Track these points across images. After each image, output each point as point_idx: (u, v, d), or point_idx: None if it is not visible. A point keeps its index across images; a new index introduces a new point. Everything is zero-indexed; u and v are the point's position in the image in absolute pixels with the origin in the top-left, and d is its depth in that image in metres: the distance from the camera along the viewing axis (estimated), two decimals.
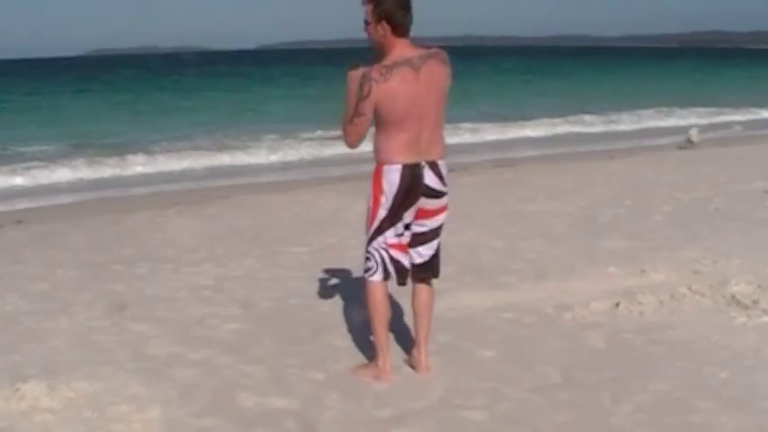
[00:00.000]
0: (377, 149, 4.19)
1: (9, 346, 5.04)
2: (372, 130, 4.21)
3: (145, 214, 9.55)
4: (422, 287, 4.48)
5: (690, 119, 23.42)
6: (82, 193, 12.58)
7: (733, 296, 5.58)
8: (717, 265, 6.46)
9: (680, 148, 15.68)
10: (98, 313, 5.68)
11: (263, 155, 16.67)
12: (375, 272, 4.30)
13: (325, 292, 6.06)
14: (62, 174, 14.19)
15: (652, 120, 23.63)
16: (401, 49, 4.09)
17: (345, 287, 6.09)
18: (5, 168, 14.35)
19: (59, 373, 4.52)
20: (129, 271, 6.83)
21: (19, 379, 4.40)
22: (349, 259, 6.72)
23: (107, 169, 14.77)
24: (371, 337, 4.50)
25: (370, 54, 4.18)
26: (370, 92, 4.03)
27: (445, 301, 5.70)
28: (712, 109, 25.58)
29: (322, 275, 6.43)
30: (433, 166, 4.23)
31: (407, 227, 4.30)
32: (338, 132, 4.28)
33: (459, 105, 26.62)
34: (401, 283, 4.39)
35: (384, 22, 4.06)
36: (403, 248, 4.31)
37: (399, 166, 4.15)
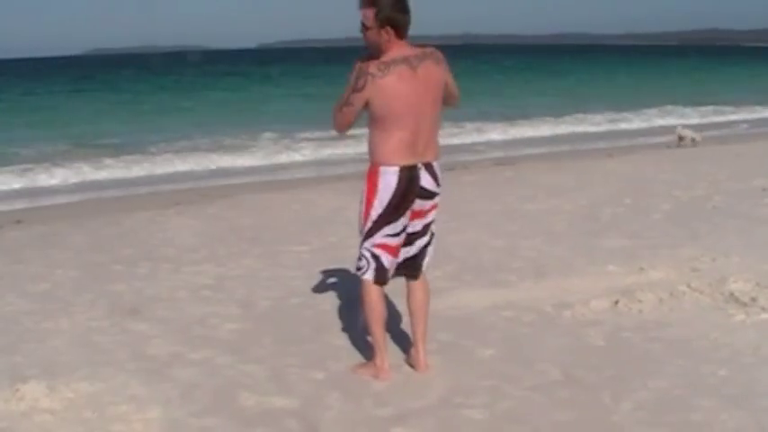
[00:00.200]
0: (373, 149, 4.18)
1: (9, 346, 5.05)
2: (364, 129, 4.22)
3: (145, 214, 9.55)
4: (416, 285, 4.49)
5: (694, 118, 23.38)
6: (82, 193, 12.59)
7: (732, 294, 5.58)
8: (716, 262, 6.46)
9: (669, 147, 15.60)
10: (98, 314, 5.68)
11: (262, 154, 16.68)
12: (365, 271, 4.32)
13: (326, 291, 6.06)
14: (61, 174, 14.18)
15: (658, 118, 23.41)
16: (399, 49, 4.09)
17: (346, 286, 6.09)
18: (4, 170, 14.33)
19: (59, 373, 4.53)
20: (130, 271, 6.83)
21: (19, 379, 4.40)
22: (349, 258, 6.69)
23: (106, 169, 14.76)
24: (369, 338, 4.51)
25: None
26: (364, 86, 4.04)
27: (445, 300, 5.71)
28: (716, 108, 25.49)
29: (322, 274, 6.44)
30: (429, 168, 4.25)
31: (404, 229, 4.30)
32: (333, 132, 4.29)
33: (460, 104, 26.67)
34: (380, 282, 4.35)
35: (388, 27, 4.05)
36: (390, 250, 4.30)
37: (397, 169, 4.14)
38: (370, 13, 4.04)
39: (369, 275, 4.33)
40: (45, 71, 69.59)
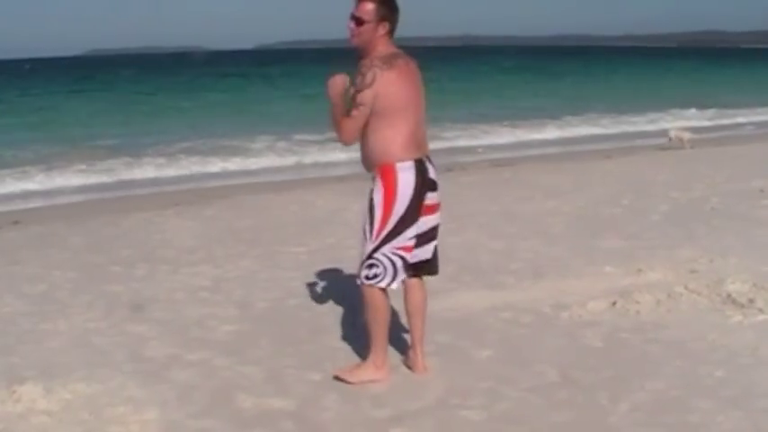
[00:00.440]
0: (382, 148, 4.12)
1: (6, 347, 5.04)
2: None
3: (143, 215, 9.54)
4: (416, 287, 4.46)
5: (697, 120, 23.31)
6: (80, 194, 12.59)
7: (729, 295, 5.59)
8: (713, 264, 6.46)
9: (666, 148, 15.55)
10: (96, 315, 5.68)
11: (261, 155, 16.67)
12: (382, 278, 4.22)
13: (324, 292, 6.06)
14: (59, 175, 14.16)
15: (659, 120, 23.26)
16: (389, 46, 4.15)
17: (344, 288, 6.08)
18: (2, 171, 14.31)
19: (56, 374, 4.52)
20: (127, 272, 6.83)
21: (16, 381, 4.40)
22: (347, 259, 6.71)
23: (104, 170, 14.73)
24: (368, 339, 4.48)
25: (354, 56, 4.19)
26: (373, 80, 4.01)
27: (443, 301, 5.70)
28: (719, 110, 25.34)
29: (320, 276, 6.44)
30: (430, 160, 4.30)
31: None
32: (334, 133, 4.27)
33: (459, 106, 26.69)
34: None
35: (386, 23, 4.10)
36: (410, 250, 4.27)
37: (412, 164, 4.15)
38: (370, 6, 4.06)
39: (385, 282, 4.23)
40: (44, 72, 69.51)
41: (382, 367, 4.41)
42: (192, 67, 71.04)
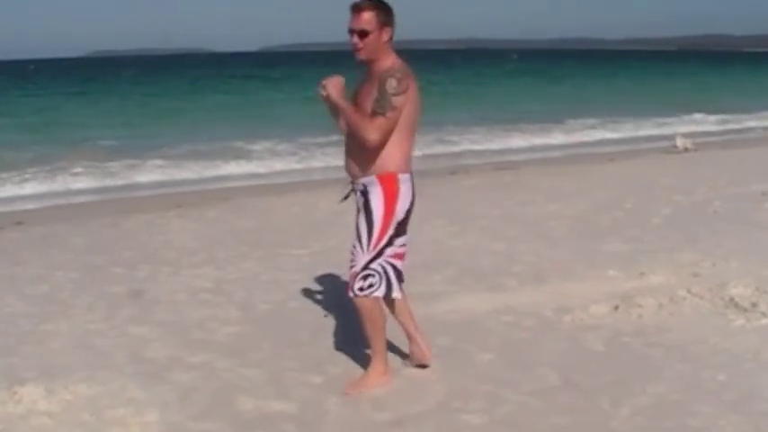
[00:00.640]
0: (388, 157, 4.06)
1: (7, 348, 5.04)
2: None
3: (145, 216, 9.55)
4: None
5: (707, 125, 23.24)
6: (82, 196, 12.59)
7: (732, 299, 5.58)
8: (715, 267, 6.45)
9: (670, 152, 15.61)
10: (97, 316, 5.68)
11: (263, 157, 16.66)
12: (377, 288, 4.19)
13: (325, 294, 6.06)
14: (62, 176, 14.15)
15: (668, 126, 23.15)
16: (393, 53, 4.09)
17: (345, 290, 6.07)
18: (6, 172, 14.31)
19: (57, 375, 4.52)
20: (129, 273, 6.83)
21: (17, 382, 4.40)
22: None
23: (107, 172, 14.72)
24: (368, 350, 4.47)
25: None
26: (407, 88, 3.99)
27: (445, 304, 5.71)
28: (725, 115, 25.22)
29: (322, 278, 6.43)
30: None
31: None
32: (336, 135, 4.25)
33: (460, 108, 26.69)
34: (387, 296, 4.30)
35: (388, 28, 4.04)
36: (401, 257, 4.28)
37: (409, 176, 4.16)
38: (369, 15, 3.99)
39: (380, 292, 4.20)
40: (48, 72, 69.62)
41: (386, 373, 4.40)
42: (194, 69, 71.12)
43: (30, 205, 11.75)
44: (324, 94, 4.05)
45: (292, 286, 6.31)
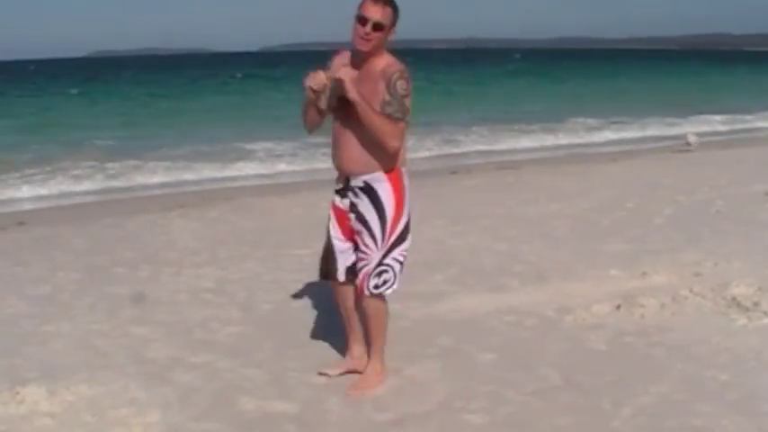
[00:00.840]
0: (392, 153, 4.06)
1: (9, 349, 5.04)
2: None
3: (147, 217, 9.55)
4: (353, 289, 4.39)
5: (712, 125, 23.16)
6: (84, 196, 12.60)
7: (734, 298, 5.57)
8: (718, 267, 6.45)
9: (677, 151, 15.62)
10: (99, 317, 5.68)
11: (264, 157, 16.66)
12: (392, 284, 4.21)
13: (327, 295, 6.04)
14: (63, 177, 14.15)
15: (679, 126, 23.07)
16: (388, 54, 4.07)
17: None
18: (7, 172, 14.31)
19: (59, 376, 4.52)
20: (131, 274, 6.83)
21: (18, 382, 4.40)
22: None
23: (109, 172, 14.72)
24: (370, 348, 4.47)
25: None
26: (410, 87, 3.99)
27: (446, 304, 5.71)
28: (732, 115, 25.11)
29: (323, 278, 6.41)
30: None
31: None
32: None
33: (462, 108, 26.69)
34: None
35: (394, 29, 4.03)
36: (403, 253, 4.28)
37: (405, 169, 4.18)
38: (389, 11, 3.95)
39: (395, 287, 4.22)
40: (49, 72, 69.66)
41: (383, 372, 4.41)
42: (195, 69, 71.12)
43: (31, 206, 11.76)
44: (320, 84, 3.96)
45: (294, 286, 6.30)
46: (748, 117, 24.81)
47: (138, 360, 4.83)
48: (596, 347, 4.91)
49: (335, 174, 4.40)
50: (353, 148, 4.10)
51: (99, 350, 5.01)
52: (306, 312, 5.69)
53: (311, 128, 4.27)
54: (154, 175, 14.57)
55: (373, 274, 4.18)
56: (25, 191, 12.96)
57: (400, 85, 3.93)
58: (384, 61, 4.00)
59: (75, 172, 14.54)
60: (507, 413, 4.03)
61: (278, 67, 75.20)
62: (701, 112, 25.35)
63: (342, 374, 4.47)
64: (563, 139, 20.03)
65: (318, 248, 7.56)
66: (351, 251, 4.30)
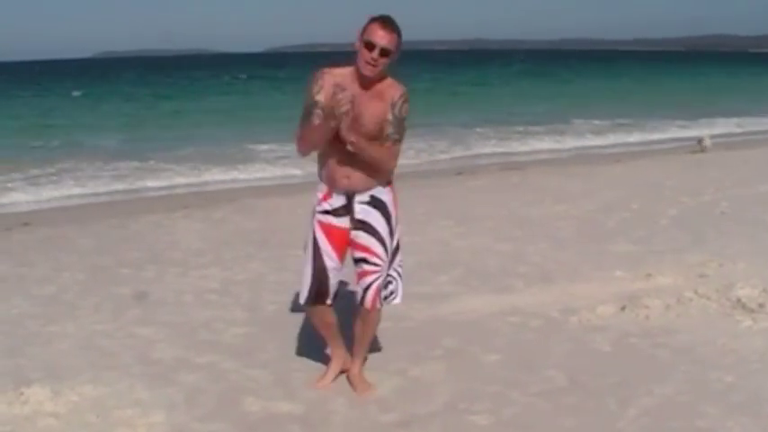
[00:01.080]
0: (390, 170, 4.15)
1: (13, 349, 5.05)
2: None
3: (152, 217, 9.56)
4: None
5: (721, 127, 23.05)
6: (89, 197, 12.62)
7: (739, 300, 5.56)
8: (723, 268, 6.44)
9: (693, 152, 15.60)
10: (104, 317, 5.68)
11: (269, 158, 16.65)
12: (397, 294, 4.34)
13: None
14: (69, 177, 14.17)
15: (669, 125, 22.90)
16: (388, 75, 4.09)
17: (351, 291, 6.07)
18: (13, 173, 14.34)
19: (64, 377, 4.53)
20: (136, 274, 6.83)
21: (23, 383, 4.40)
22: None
23: (114, 173, 14.74)
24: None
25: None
26: None
27: (451, 305, 5.70)
28: (736, 118, 24.99)
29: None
30: None
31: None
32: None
33: (466, 109, 26.67)
34: None
35: (396, 53, 4.02)
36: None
37: None
38: (396, 38, 3.93)
39: (401, 295, 4.35)
40: (54, 73, 69.77)
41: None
42: (200, 70, 71.17)
43: (36, 206, 11.78)
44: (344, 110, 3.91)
45: (299, 287, 6.29)
46: (753, 119, 24.74)
47: (143, 360, 4.83)
48: (601, 348, 4.91)
49: None
50: (358, 166, 4.07)
51: (104, 350, 5.01)
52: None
53: (309, 152, 4.25)
54: (158, 176, 14.58)
55: (384, 283, 4.24)
56: (30, 192, 12.97)
57: (405, 109, 4.02)
58: (388, 83, 4.04)
59: (80, 173, 14.57)
60: (512, 414, 4.03)
61: (282, 68, 75.23)
62: (707, 114, 25.30)
63: (337, 378, 4.48)
64: (568, 141, 19.99)
65: None
66: (341, 270, 4.31)
